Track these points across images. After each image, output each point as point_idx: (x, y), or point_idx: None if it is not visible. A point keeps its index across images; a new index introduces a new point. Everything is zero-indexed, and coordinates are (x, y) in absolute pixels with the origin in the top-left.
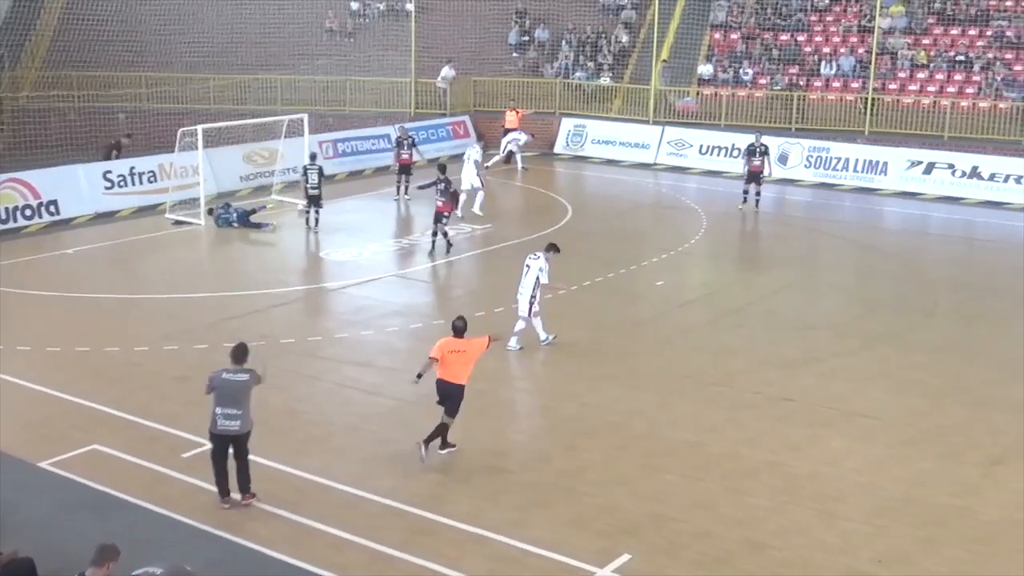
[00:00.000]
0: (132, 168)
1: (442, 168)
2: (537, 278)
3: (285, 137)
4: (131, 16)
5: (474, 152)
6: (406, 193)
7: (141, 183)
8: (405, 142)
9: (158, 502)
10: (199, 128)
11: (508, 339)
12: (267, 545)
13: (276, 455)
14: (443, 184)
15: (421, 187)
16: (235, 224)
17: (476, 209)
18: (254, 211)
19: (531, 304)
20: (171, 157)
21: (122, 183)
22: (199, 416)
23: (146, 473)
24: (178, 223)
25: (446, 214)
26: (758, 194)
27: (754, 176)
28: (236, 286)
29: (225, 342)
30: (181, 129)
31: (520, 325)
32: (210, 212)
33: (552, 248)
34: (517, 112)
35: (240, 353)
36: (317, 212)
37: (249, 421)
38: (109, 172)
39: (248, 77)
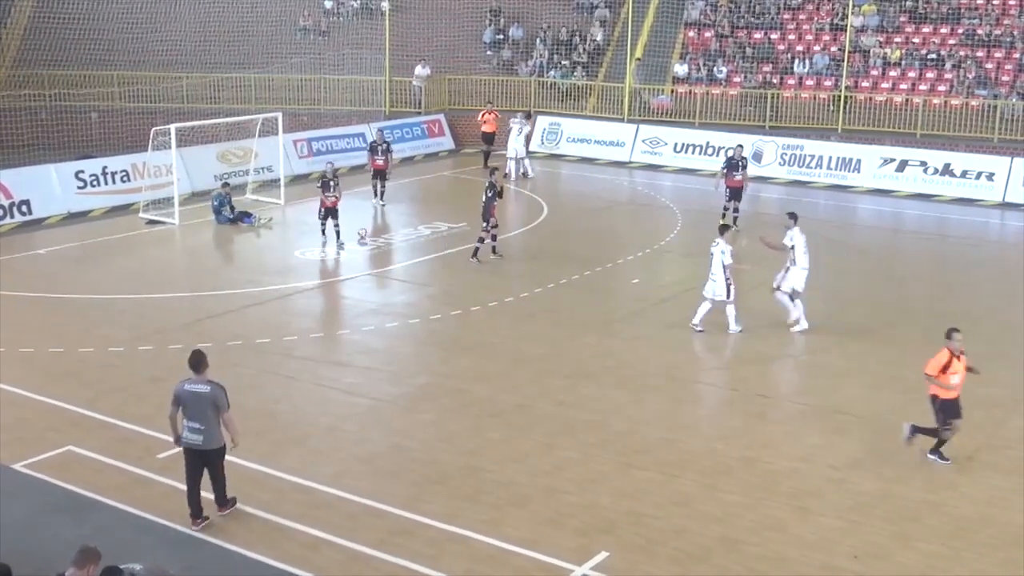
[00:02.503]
0: (105, 168)
1: (491, 172)
2: (722, 261)
3: (259, 136)
4: (103, 14)
5: (522, 125)
6: (381, 198)
7: (114, 183)
8: (380, 147)
9: (134, 504)
10: (172, 127)
11: (729, 326)
12: (244, 546)
13: (252, 456)
14: (492, 189)
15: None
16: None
17: (529, 173)
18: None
19: (728, 288)
20: (144, 156)
21: (95, 183)
22: None
23: (121, 475)
24: (152, 223)
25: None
26: (736, 210)
27: (736, 192)
28: (211, 286)
29: (200, 342)
30: (154, 128)
31: (731, 310)
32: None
33: (724, 229)
34: (493, 113)
35: (195, 362)
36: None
37: (217, 437)
38: (82, 172)
39: (222, 76)
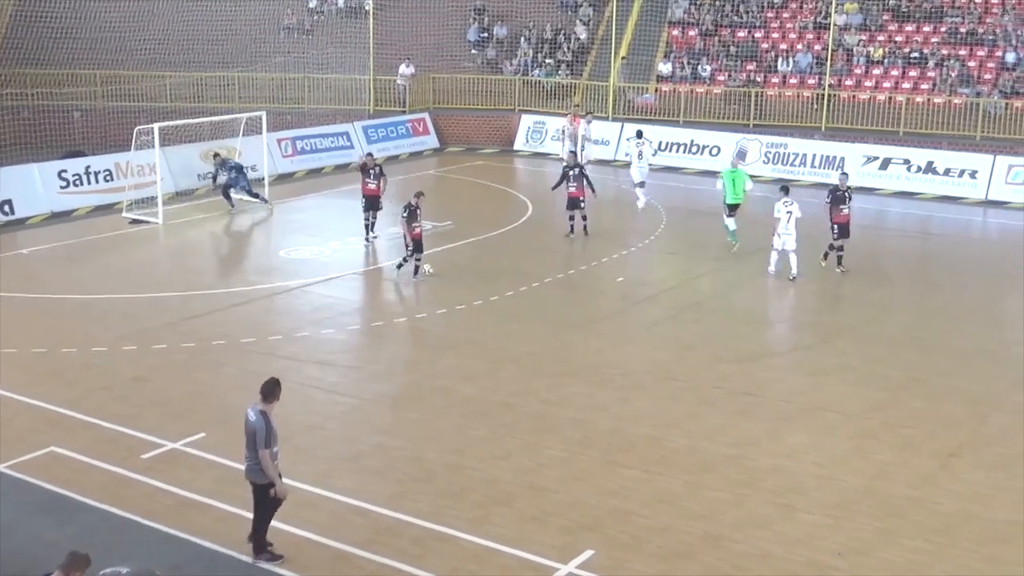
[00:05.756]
0: (88, 167)
1: (573, 155)
2: (796, 218)
3: (243, 135)
4: (86, 13)
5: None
6: (372, 230)
7: (97, 182)
8: (372, 170)
9: (118, 504)
10: (156, 126)
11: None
12: (228, 546)
13: (236, 456)
14: (575, 170)
15: (555, 187)
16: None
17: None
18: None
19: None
20: (127, 156)
21: (78, 182)
22: (158, 417)
23: (105, 475)
24: (135, 222)
25: (582, 199)
26: (841, 248)
27: (844, 229)
28: (195, 285)
29: (184, 342)
30: (137, 127)
31: (794, 259)
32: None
33: (784, 189)
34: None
35: (264, 389)
36: (375, 216)
37: (258, 472)
38: (64, 171)
39: (205, 75)
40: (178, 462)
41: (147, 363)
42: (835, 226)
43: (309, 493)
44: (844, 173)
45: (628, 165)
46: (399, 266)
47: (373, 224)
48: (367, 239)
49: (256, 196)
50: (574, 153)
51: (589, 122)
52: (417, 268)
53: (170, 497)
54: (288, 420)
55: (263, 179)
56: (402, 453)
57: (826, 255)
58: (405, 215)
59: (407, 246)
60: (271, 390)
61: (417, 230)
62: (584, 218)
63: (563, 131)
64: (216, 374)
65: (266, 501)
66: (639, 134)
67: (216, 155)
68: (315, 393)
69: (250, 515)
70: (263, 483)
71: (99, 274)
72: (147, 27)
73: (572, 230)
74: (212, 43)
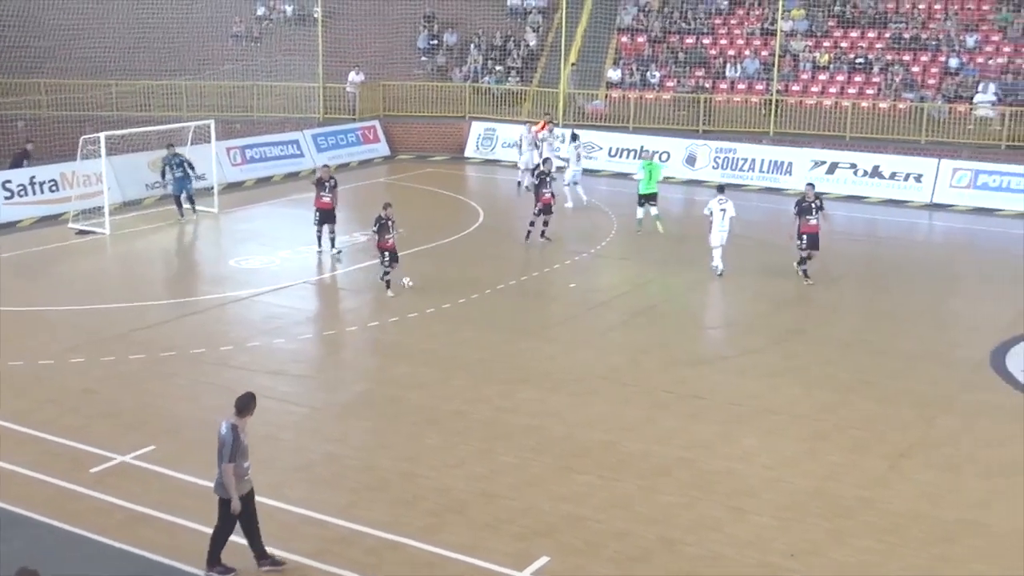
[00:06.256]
0: (33, 177)
1: (549, 161)
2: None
3: (191, 144)
4: (29, 21)
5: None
6: (333, 246)
7: (42, 192)
8: (327, 183)
9: (66, 519)
10: (102, 135)
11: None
12: (180, 559)
13: (188, 468)
14: (549, 177)
15: (530, 188)
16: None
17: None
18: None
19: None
20: (73, 165)
21: (22, 192)
22: (107, 430)
23: (53, 489)
24: (82, 233)
25: (554, 205)
26: (810, 259)
27: (813, 240)
28: (144, 296)
29: (133, 354)
30: (83, 137)
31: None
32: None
33: (720, 188)
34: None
35: (239, 403)
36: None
37: (219, 484)
38: (8, 182)
39: (152, 83)
40: (127, 475)
41: (96, 375)
42: (803, 237)
43: (261, 504)
44: (810, 184)
45: (560, 169)
46: (384, 279)
47: (332, 240)
48: (319, 249)
49: (191, 203)
50: (549, 160)
51: (551, 131)
52: (387, 278)
53: (120, 511)
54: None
55: (212, 188)
56: (355, 462)
57: (805, 273)
58: (376, 228)
59: (382, 259)
60: (246, 404)
61: (390, 241)
62: (546, 224)
63: (536, 137)
64: (166, 385)
65: (228, 517)
66: (575, 136)
67: (170, 146)
68: (267, 403)
69: (203, 527)
70: (220, 497)
71: (46, 286)
72: (92, 35)
73: (529, 236)
74: (159, 51)
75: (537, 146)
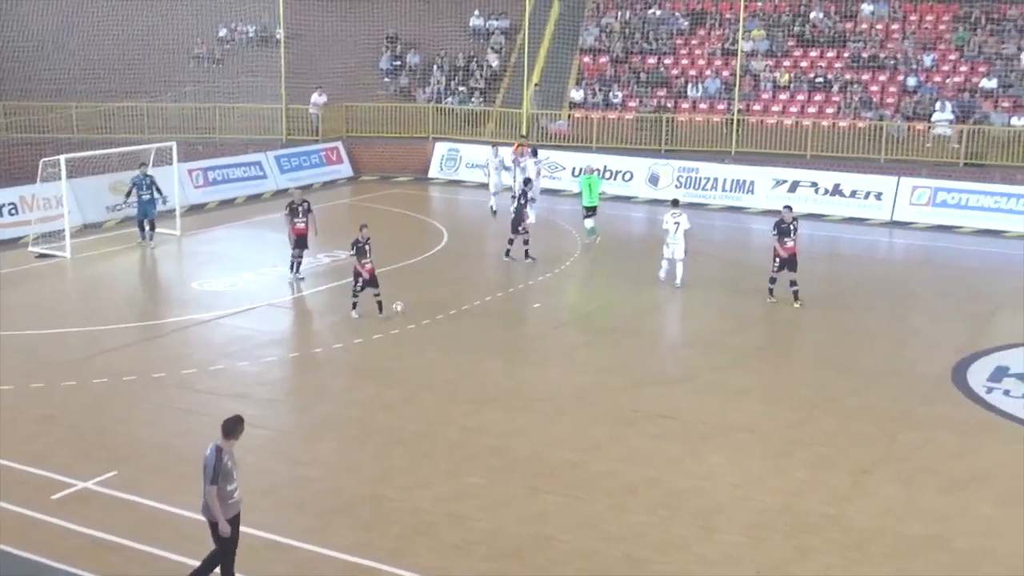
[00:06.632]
0: None
1: (527, 182)
2: (685, 230)
3: (153, 166)
4: None
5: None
6: (297, 271)
7: (2, 216)
8: (300, 208)
9: (27, 547)
10: (62, 158)
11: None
12: None
13: (151, 493)
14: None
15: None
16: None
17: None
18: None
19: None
20: (33, 188)
21: None
22: (67, 456)
23: (13, 517)
24: (42, 256)
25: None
26: (794, 283)
27: (791, 261)
28: (105, 320)
29: (94, 378)
30: (43, 159)
31: (680, 268)
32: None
33: (676, 203)
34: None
35: (225, 426)
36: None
37: (205, 507)
38: None
39: (113, 105)
40: (90, 502)
41: (56, 400)
42: (777, 259)
43: None
44: (787, 206)
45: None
46: (353, 300)
47: (299, 265)
48: (291, 276)
49: (152, 227)
50: (530, 180)
51: (524, 154)
52: (355, 300)
53: (82, 538)
54: (203, 456)
55: (174, 210)
56: (321, 485)
57: (771, 291)
58: (354, 252)
59: (355, 283)
60: (232, 427)
61: (368, 265)
62: (527, 243)
63: (515, 161)
64: (128, 410)
65: (221, 540)
66: (534, 152)
67: (143, 164)
68: None
69: (168, 553)
70: (208, 521)
71: (5, 310)
72: (52, 57)
73: (509, 254)
74: (120, 73)
75: (507, 168)
